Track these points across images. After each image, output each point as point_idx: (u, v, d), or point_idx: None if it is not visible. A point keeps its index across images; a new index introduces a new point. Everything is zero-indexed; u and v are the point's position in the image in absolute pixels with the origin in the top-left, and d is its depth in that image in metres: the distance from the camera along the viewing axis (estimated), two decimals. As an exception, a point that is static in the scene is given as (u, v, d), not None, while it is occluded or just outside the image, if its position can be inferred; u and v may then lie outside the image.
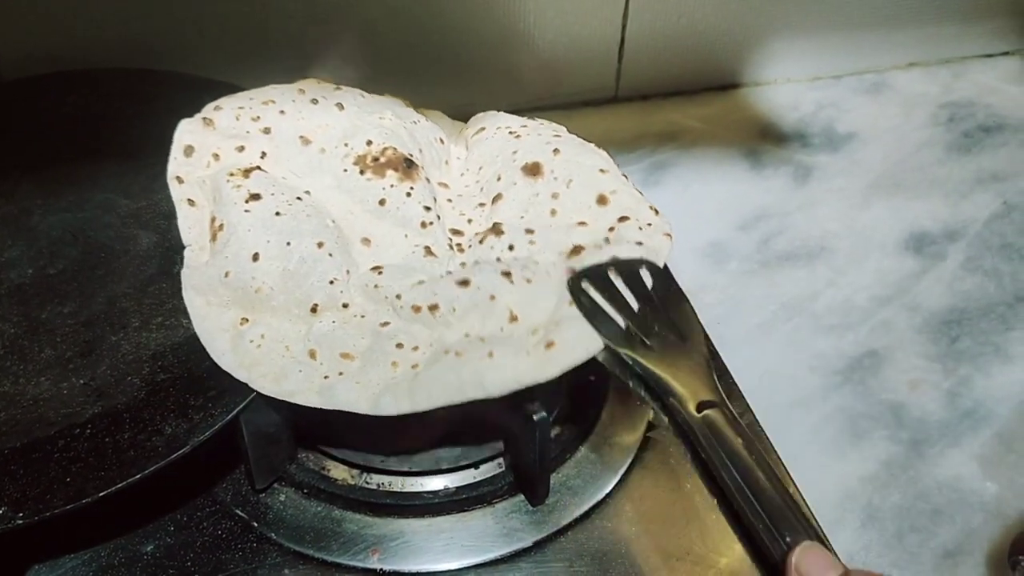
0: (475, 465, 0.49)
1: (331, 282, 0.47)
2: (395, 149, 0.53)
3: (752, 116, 0.81)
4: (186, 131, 0.53)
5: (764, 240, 0.68)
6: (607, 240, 0.49)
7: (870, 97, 0.83)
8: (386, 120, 0.55)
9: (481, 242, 0.51)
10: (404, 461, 0.48)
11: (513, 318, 0.45)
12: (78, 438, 0.43)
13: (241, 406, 0.43)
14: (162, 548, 0.45)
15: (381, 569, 0.44)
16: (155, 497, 0.46)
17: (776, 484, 0.42)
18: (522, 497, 0.47)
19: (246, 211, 0.49)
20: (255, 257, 0.47)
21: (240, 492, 0.48)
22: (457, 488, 0.48)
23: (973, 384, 0.58)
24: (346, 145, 0.53)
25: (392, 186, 0.52)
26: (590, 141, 0.57)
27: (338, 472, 0.49)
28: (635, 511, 0.47)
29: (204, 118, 0.54)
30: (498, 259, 0.49)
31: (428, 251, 0.50)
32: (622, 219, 0.51)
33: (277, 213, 0.49)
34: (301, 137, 0.53)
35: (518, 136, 0.57)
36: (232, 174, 0.51)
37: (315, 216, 0.50)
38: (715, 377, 0.46)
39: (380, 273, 0.48)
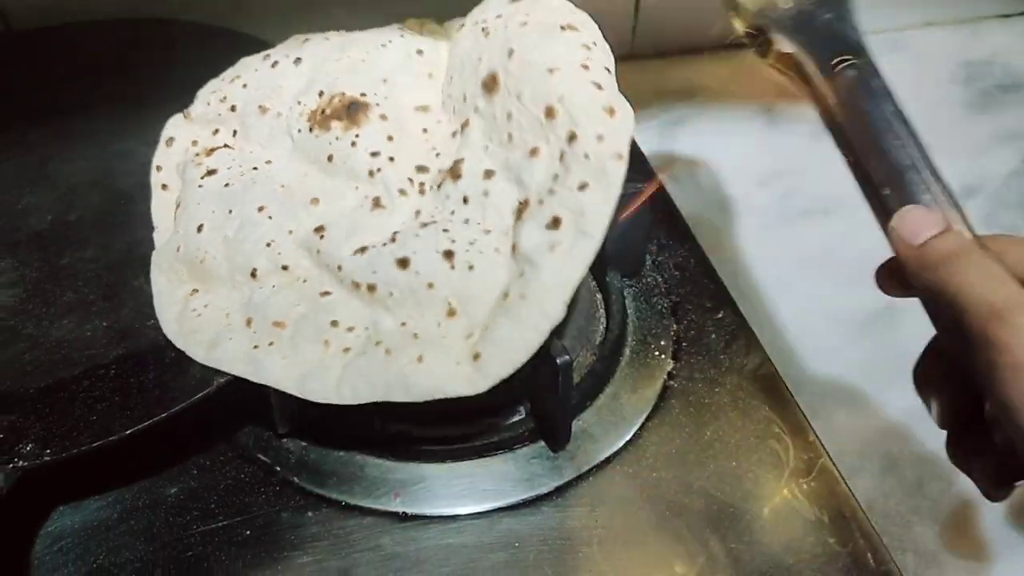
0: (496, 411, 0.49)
1: (267, 244, 0.46)
2: (343, 95, 0.50)
3: (769, 74, 0.80)
4: (170, 125, 0.54)
5: (782, 195, 0.68)
6: (551, 188, 0.42)
7: (887, 56, 0.81)
8: (342, 60, 0.52)
9: (439, 187, 0.47)
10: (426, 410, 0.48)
11: (451, 312, 0.42)
12: (103, 378, 0.43)
13: (266, 348, 0.43)
14: (186, 491, 0.45)
15: (404, 512, 0.45)
16: (178, 441, 0.46)
17: (915, 145, 0.39)
18: (543, 443, 0.47)
19: (199, 187, 0.49)
20: (199, 228, 0.47)
21: (263, 437, 0.48)
22: (478, 433, 0.48)
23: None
24: (299, 103, 0.51)
25: (337, 138, 0.49)
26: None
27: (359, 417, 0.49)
28: (655, 458, 0.47)
29: (185, 112, 0.55)
30: (445, 229, 0.44)
31: (376, 203, 0.47)
32: (571, 138, 0.42)
33: (226, 185, 0.49)
34: (260, 107, 0.52)
35: (487, 33, 0.49)
36: (197, 154, 0.51)
37: (263, 182, 0.48)
38: (856, 26, 0.42)
39: (322, 237, 0.46)
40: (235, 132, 0.53)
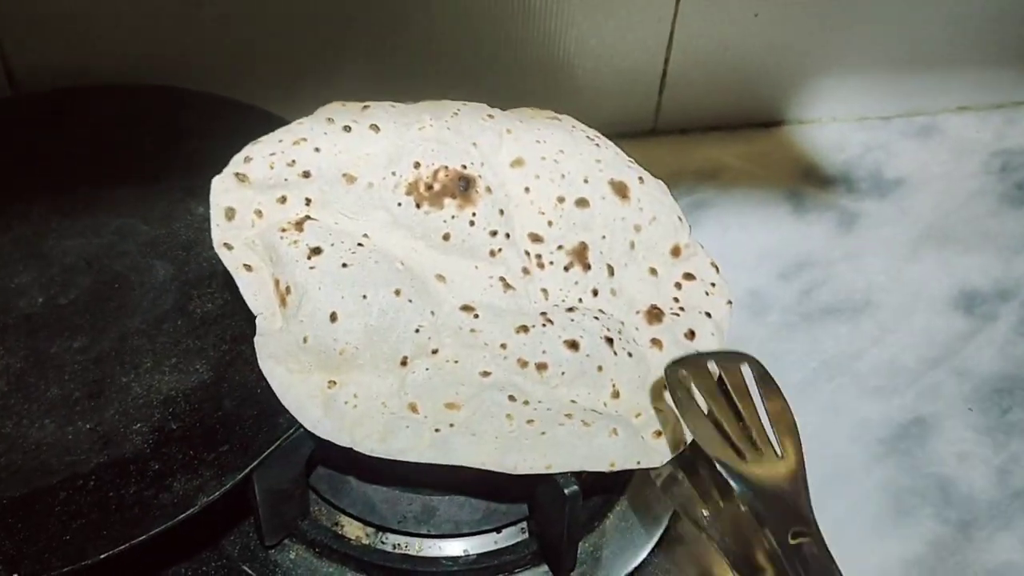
0: (497, 530, 0.46)
1: (416, 330, 0.44)
2: (446, 168, 0.49)
3: (796, 156, 0.78)
4: (221, 191, 0.48)
5: (806, 291, 0.65)
6: (679, 308, 0.49)
7: (920, 141, 0.80)
8: (426, 128, 0.51)
9: (566, 269, 0.49)
10: (422, 523, 0.46)
11: (615, 394, 0.44)
12: (81, 490, 0.40)
13: (253, 465, 0.41)
14: (165, 607, 0.43)
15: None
16: (160, 549, 0.43)
17: None
18: (546, 568, 0.45)
19: (311, 268, 0.45)
20: (333, 317, 0.44)
21: (249, 547, 0.45)
22: (478, 555, 0.45)
23: (1024, 461, 0.55)
24: (393, 174, 0.49)
25: (453, 217, 0.48)
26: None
27: (352, 530, 0.46)
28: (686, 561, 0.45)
29: (236, 173, 0.49)
30: (596, 317, 0.47)
31: (505, 283, 0.47)
32: (687, 276, 0.51)
33: (344, 265, 0.45)
34: (344, 175, 0.49)
35: (596, 144, 0.54)
36: (284, 229, 0.47)
37: (383, 261, 0.46)
38: (810, 501, 0.41)
39: (476, 316, 0.45)
40: (307, 201, 0.49)
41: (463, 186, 0.48)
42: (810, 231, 0.70)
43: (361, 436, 0.41)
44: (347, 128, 0.50)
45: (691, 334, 0.48)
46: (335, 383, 0.43)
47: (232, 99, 0.59)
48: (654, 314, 0.48)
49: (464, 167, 0.49)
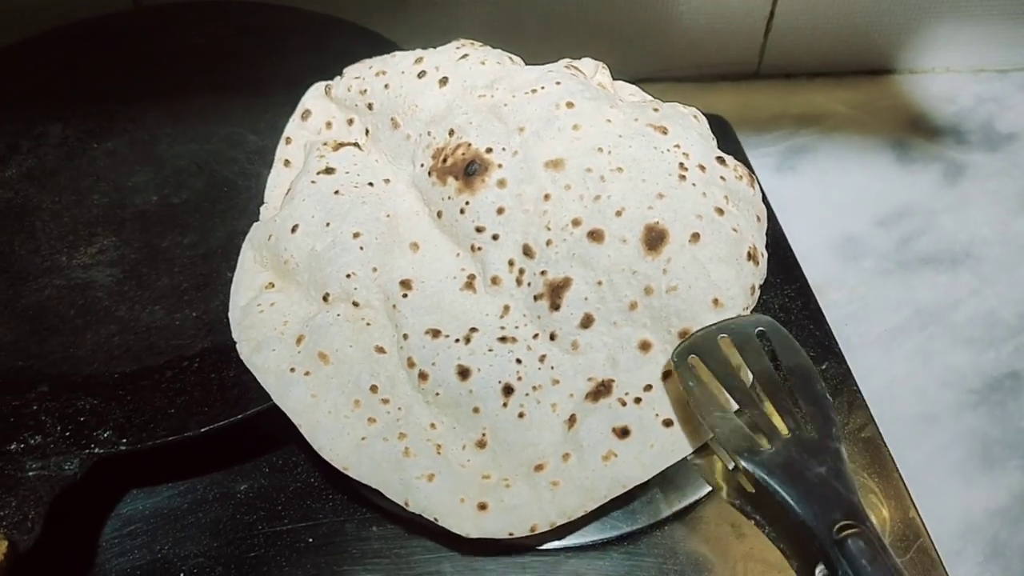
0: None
1: (347, 276, 0.44)
2: (468, 146, 0.46)
3: (903, 105, 0.75)
4: (310, 96, 0.53)
5: (905, 239, 0.63)
6: (638, 397, 0.41)
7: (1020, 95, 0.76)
8: (486, 98, 0.48)
9: (535, 299, 0.43)
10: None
11: (481, 443, 0.41)
12: (185, 371, 0.43)
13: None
14: (255, 489, 0.45)
15: (468, 538, 0.43)
16: (253, 437, 0.46)
17: None
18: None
19: (312, 182, 0.48)
20: (294, 229, 0.46)
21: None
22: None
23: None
24: (429, 134, 0.48)
25: (449, 198, 0.46)
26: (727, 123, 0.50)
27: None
28: (735, 513, 0.44)
29: (327, 85, 0.53)
30: (519, 360, 0.42)
31: (469, 283, 0.45)
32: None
33: (336, 192, 0.47)
34: (392, 119, 0.49)
35: (683, 177, 0.44)
36: (325, 144, 0.50)
37: (370, 205, 0.47)
38: (853, 483, 0.37)
39: (405, 296, 0.44)
40: (367, 131, 0.51)
41: (471, 170, 0.45)
42: (914, 181, 0.68)
43: (244, 338, 0.44)
44: (422, 74, 0.50)
45: (623, 432, 0.40)
46: (272, 286, 0.46)
47: (346, 20, 0.61)
48: (599, 391, 0.41)
49: (488, 150, 0.46)
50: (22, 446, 0.39)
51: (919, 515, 0.44)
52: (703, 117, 0.48)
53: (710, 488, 0.45)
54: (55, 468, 0.38)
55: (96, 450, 0.39)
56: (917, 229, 0.64)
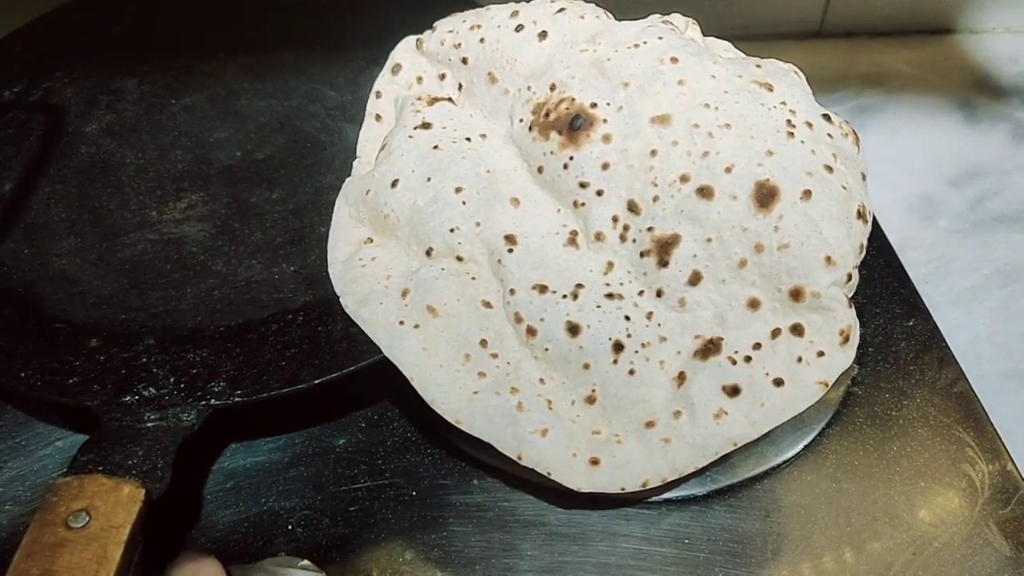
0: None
1: (451, 230, 0.44)
2: (572, 100, 0.45)
3: (967, 65, 0.74)
4: (400, 50, 0.52)
5: (978, 199, 0.63)
6: (748, 355, 0.41)
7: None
8: (588, 53, 0.47)
9: (641, 256, 0.43)
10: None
11: (591, 399, 0.41)
12: (291, 324, 0.43)
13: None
14: (354, 443, 0.45)
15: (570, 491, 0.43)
16: (352, 391, 0.46)
17: None
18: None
19: (409, 137, 0.47)
20: (394, 184, 0.45)
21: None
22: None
23: None
24: (529, 88, 0.47)
25: (552, 152, 0.45)
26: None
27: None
28: (837, 467, 0.45)
29: (418, 39, 0.52)
30: (627, 316, 0.42)
31: (572, 239, 0.44)
32: (795, 329, 0.41)
33: (435, 147, 0.46)
34: (489, 74, 0.48)
35: (791, 134, 0.43)
36: (419, 98, 0.49)
37: (471, 160, 0.46)
38: None
39: (511, 250, 0.44)
40: (460, 86, 0.50)
41: (576, 125, 0.45)
42: (982, 141, 0.67)
43: (348, 291, 0.43)
44: (519, 28, 0.49)
45: (734, 391, 0.40)
46: (371, 241, 0.45)
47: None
48: (708, 349, 0.41)
49: (593, 105, 0.45)
50: (136, 398, 0.39)
51: (1016, 468, 0.44)
52: (802, 74, 0.48)
53: (806, 443, 0.46)
54: (173, 419, 0.38)
55: (212, 401, 0.39)
56: (990, 189, 0.64)
